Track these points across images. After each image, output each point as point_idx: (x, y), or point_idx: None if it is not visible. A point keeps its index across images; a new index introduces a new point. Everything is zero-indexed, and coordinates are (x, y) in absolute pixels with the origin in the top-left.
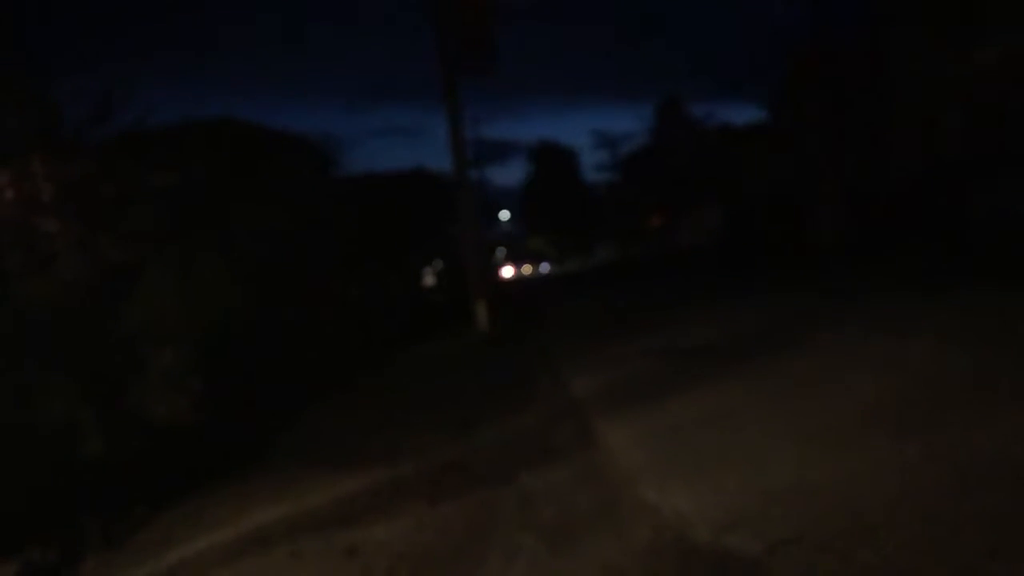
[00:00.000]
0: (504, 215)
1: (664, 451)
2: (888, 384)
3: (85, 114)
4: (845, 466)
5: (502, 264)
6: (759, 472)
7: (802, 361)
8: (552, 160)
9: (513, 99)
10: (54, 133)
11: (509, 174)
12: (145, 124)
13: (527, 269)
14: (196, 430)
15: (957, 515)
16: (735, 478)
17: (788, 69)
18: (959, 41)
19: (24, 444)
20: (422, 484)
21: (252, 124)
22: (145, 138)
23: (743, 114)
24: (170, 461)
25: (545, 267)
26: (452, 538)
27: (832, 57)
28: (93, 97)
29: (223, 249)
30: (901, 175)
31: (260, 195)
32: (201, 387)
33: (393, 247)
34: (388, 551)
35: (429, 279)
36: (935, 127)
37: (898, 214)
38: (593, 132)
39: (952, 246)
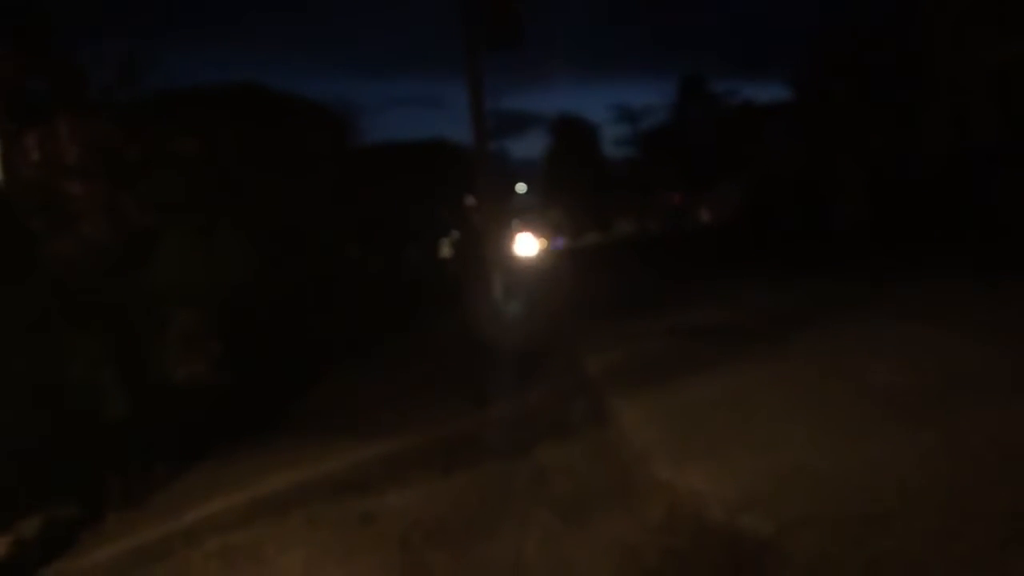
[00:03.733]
0: (521, 187)
1: (678, 430)
2: (910, 372)
3: (110, 77)
4: (861, 453)
5: (518, 235)
6: (774, 455)
7: (822, 345)
8: (573, 133)
9: (533, 70)
10: (79, 95)
11: (528, 146)
12: (169, 88)
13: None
14: (214, 392)
15: (972, 506)
16: (750, 460)
17: (816, 49)
18: (993, 30)
19: (50, 402)
20: (436, 454)
21: (272, 90)
22: (167, 102)
23: (766, 91)
24: (188, 423)
25: (559, 243)
26: (466, 508)
27: (863, 39)
28: (118, 60)
29: (243, 214)
30: (929, 161)
31: (280, 161)
32: (220, 350)
33: (412, 217)
34: (402, 519)
35: (446, 250)
36: (966, 113)
37: (924, 200)
38: (613, 106)
39: (981, 234)
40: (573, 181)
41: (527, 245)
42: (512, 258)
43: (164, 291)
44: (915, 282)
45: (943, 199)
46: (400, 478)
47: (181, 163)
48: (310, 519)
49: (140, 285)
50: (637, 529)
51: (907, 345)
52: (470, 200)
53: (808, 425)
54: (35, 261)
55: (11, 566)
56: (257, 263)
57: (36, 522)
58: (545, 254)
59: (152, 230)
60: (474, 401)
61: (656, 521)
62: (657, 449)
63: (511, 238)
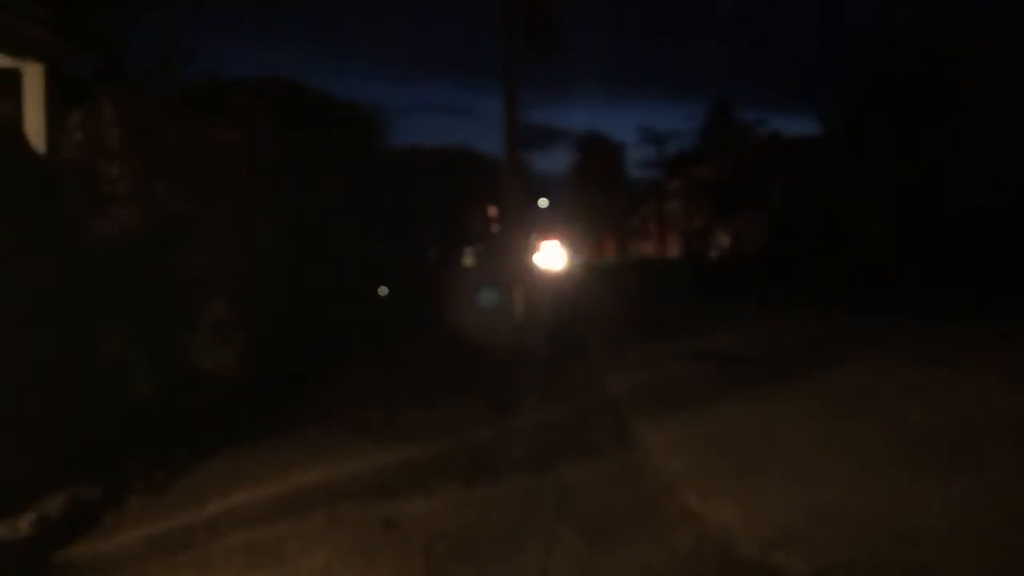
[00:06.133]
0: (543, 202)
1: (704, 458)
2: (937, 414)
3: (152, 61)
4: (894, 493)
5: (543, 248)
6: (804, 491)
7: (846, 381)
8: (598, 151)
9: (561, 86)
10: (123, 76)
11: (551, 160)
12: (211, 77)
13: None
14: (239, 383)
15: (1014, 557)
16: (779, 494)
17: (851, 87)
18: None
19: (80, 378)
20: (458, 463)
21: (306, 86)
22: (207, 90)
23: (794, 124)
24: (211, 412)
25: (577, 260)
26: (489, 522)
27: (898, 81)
28: (161, 45)
29: (275, 208)
30: (959, 203)
31: (313, 158)
32: (246, 341)
33: (436, 223)
34: (426, 527)
35: (469, 259)
36: (996, 159)
37: (953, 242)
38: (640, 127)
39: (1011, 277)
40: (596, 200)
41: (552, 258)
42: (536, 271)
43: (195, 278)
44: (938, 325)
45: (972, 243)
46: (422, 485)
47: (219, 152)
48: (333, 520)
49: (172, 271)
50: (664, 557)
51: (932, 387)
52: (493, 210)
53: (837, 462)
54: (75, 237)
55: (35, 544)
56: (286, 257)
57: (60, 501)
58: (569, 268)
59: (186, 217)
60: (497, 410)
61: (684, 551)
62: (684, 477)
63: (535, 250)
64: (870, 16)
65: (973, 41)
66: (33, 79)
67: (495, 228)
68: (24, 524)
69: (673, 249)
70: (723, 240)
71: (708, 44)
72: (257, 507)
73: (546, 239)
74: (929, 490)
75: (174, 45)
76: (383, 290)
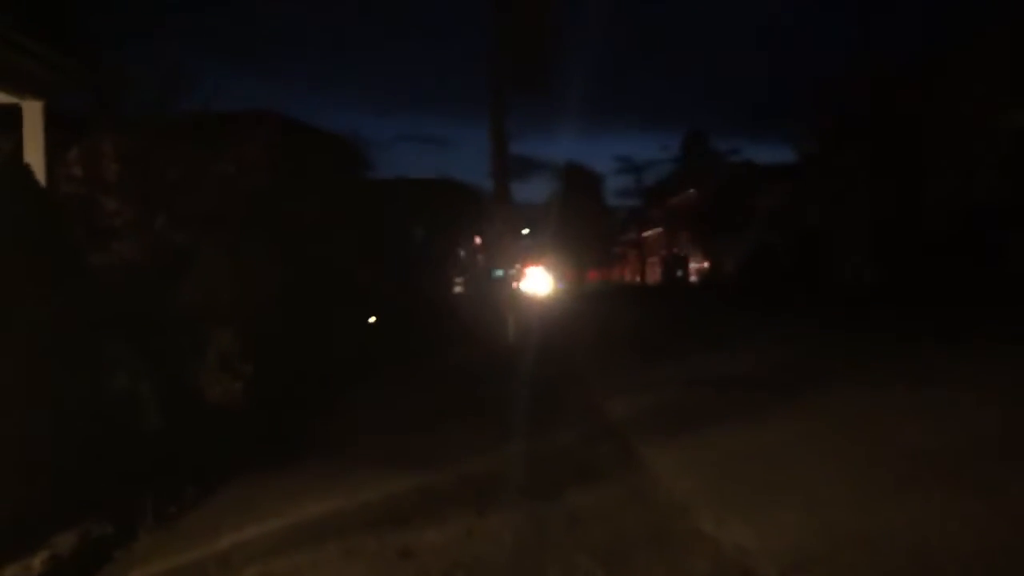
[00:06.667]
0: (525, 231)
1: (713, 482)
2: (937, 434)
3: (147, 96)
4: (907, 513)
5: (528, 275)
6: (817, 512)
7: (842, 401)
8: (578, 181)
9: (540, 118)
10: (120, 112)
11: (531, 191)
12: (207, 110)
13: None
14: (245, 413)
15: None
16: (793, 516)
17: (824, 113)
18: (999, 102)
19: (88, 413)
20: (466, 491)
21: (292, 118)
22: (200, 123)
23: (768, 152)
24: (219, 442)
25: (560, 287)
26: (505, 550)
27: (872, 106)
28: (156, 80)
29: (271, 239)
30: (934, 226)
31: (302, 189)
32: (252, 371)
33: (424, 251)
34: (443, 557)
35: (458, 287)
36: (971, 178)
37: (929, 262)
38: (617, 157)
39: (984, 297)
40: (577, 228)
41: (537, 284)
42: (523, 297)
43: (198, 309)
44: (924, 343)
45: (947, 263)
46: (434, 513)
47: (217, 184)
48: (348, 550)
49: (175, 302)
50: None
51: (928, 406)
52: (478, 240)
53: (845, 482)
54: (83, 270)
55: None
56: (282, 286)
57: (71, 538)
58: (553, 294)
59: (186, 248)
60: (496, 438)
61: (703, 575)
62: (695, 500)
63: (521, 278)
64: (843, 42)
65: (945, 60)
66: (32, 115)
67: (480, 258)
68: (38, 563)
69: (653, 275)
70: (702, 266)
71: (682, 75)
72: (270, 540)
73: (531, 267)
74: (938, 508)
75: (171, 78)
76: (372, 319)
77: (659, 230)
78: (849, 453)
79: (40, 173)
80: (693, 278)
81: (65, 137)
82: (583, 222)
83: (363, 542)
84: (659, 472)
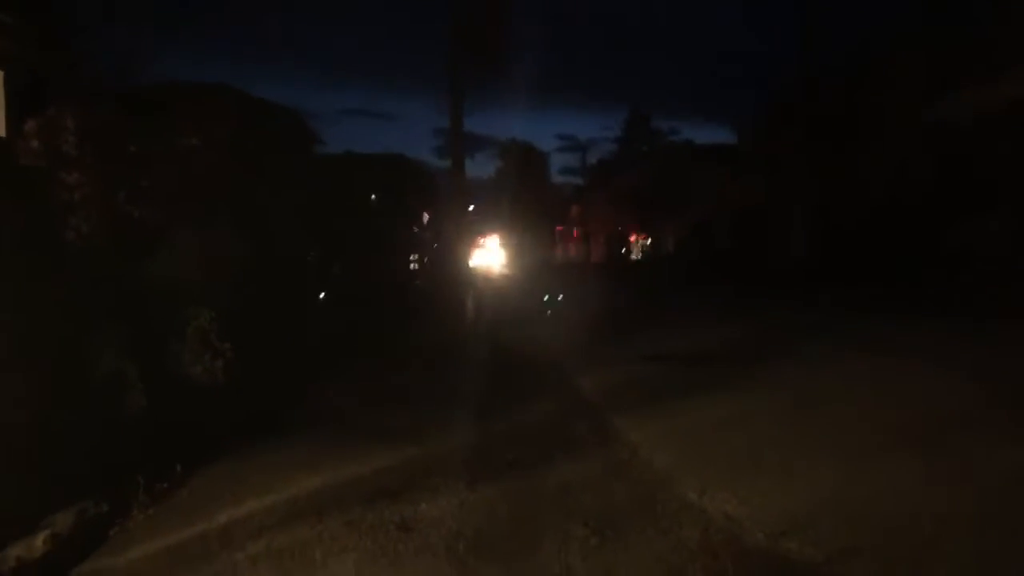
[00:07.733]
0: (471, 208)
1: (691, 452)
2: (897, 402)
3: (105, 67)
4: (884, 479)
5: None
6: (795, 480)
7: (796, 373)
8: (523, 159)
9: (486, 95)
10: (79, 84)
11: (476, 167)
12: (168, 82)
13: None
14: (227, 390)
15: (1007, 528)
16: (773, 484)
17: (767, 98)
18: (932, 96)
19: (79, 392)
20: (453, 464)
21: (241, 90)
22: (158, 96)
23: (705, 134)
24: (204, 420)
25: (507, 264)
26: (500, 521)
27: (812, 92)
28: (114, 51)
29: (237, 215)
30: (867, 211)
31: (262, 165)
32: (231, 348)
33: (379, 229)
34: (441, 529)
35: (414, 264)
36: (905, 169)
37: (862, 245)
38: (560, 136)
39: (915, 278)
40: (523, 205)
41: (487, 261)
42: (476, 274)
43: (170, 288)
44: (863, 315)
45: (881, 246)
46: (425, 486)
47: (179, 158)
48: (348, 523)
49: (145, 280)
50: (677, 549)
51: (883, 375)
52: (428, 217)
53: (818, 451)
54: (59, 247)
55: (52, 563)
56: (252, 263)
57: (69, 517)
58: (503, 270)
59: (152, 225)
60: (475, 412)
61: (694, 542)
62: (676, 470)
63: (473, 255)
64: (784, 29)
65: (886, 54)
66: None
67: (430, 233)
68: (39, 542)
69: (597, 253)
70: (644, 244)
71: (625, 55)
72: (270, 514)
73: (481, 244)
74: (911, 473)
75: (128, 51)
76: (337, 294)
77: (602, 208)
78: (816, 422)
79: None
80: (635, 255)
81: (25, 108)
82: (529, 199)
83: (361, 515)
84: (637, 444)
